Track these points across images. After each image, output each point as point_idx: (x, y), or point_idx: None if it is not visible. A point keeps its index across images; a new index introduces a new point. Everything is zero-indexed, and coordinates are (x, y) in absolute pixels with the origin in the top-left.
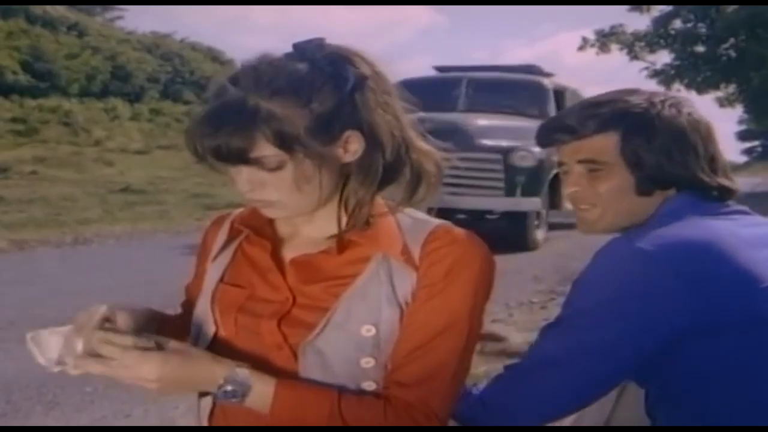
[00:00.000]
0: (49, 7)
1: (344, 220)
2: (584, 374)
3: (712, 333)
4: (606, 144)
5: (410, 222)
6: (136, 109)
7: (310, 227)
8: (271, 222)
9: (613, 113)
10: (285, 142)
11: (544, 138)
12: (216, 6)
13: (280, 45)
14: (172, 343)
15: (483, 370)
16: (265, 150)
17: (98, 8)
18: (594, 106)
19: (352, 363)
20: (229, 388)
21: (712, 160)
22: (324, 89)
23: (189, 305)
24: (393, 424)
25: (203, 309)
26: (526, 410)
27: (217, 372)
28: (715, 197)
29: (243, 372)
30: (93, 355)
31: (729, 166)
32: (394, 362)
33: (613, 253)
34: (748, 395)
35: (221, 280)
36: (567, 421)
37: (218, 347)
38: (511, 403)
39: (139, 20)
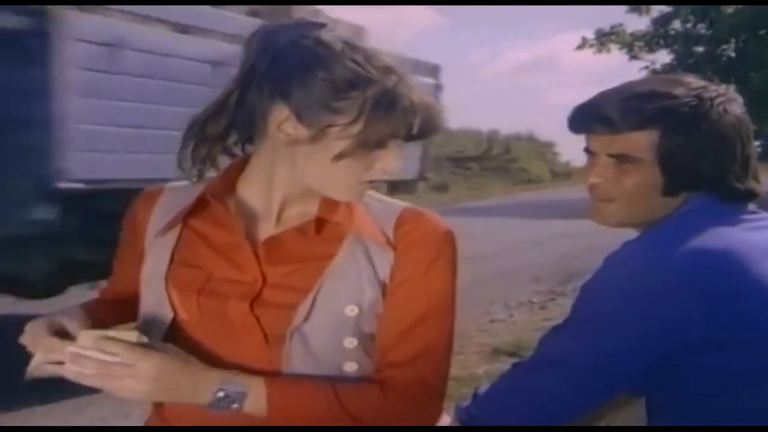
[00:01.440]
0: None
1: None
2: (592, 378)
3: (724, 345)
4: (643, 141)
5: (376, 202)
6: None
7: (292, 206)
8: (232, 200)
9: (658, 110)
10: None
11: (579, 125)
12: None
13: None
14: (169, 345)
15: (483, 369)
16: None
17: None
18: (638, 98)
19: (336, 344)
20: (222, 394)
21: (746, 163)
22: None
23: (119, 292)
24: (394, 406)
25: (154, 292)
26: (529, 406)
27: (211, 377)
28: (736, 199)
29: (237, 378)
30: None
31: (759, 167)
32: (385, 344)
33: (628, 260)
34: (757, 410)
35: (171, 260)
36: None
37: (179, 332)
38: (516, 399)
39: None
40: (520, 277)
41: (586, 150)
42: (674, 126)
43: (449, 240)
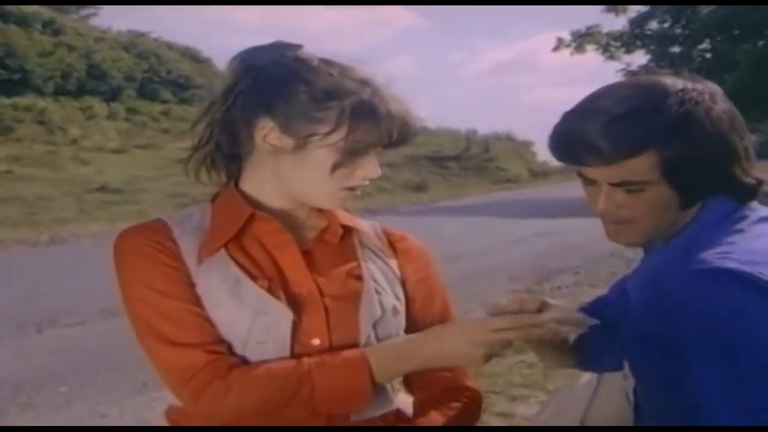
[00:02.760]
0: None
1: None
2: None
3: None
4: (642, 165)
5: (351, 214)
6: (113, 108)
7: (313, 217)
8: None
9: (648, 131)
10: None
11: (567, 156)
12: (197, 6)
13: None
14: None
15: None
16: None
17: (73, 6)
18: (623, 121)
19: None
20: None
21: (747, 156)
22: None
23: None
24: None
25: (251, 307)
26: None
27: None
28: (748, 195)
29: None
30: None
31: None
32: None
33: (694, 281)
34: None
35: (250, 275)
36: (540, 422)
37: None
38: None
39: (117, 20)
40: (498, 276)
41: (580, 175)
42: (669, 141)
43: (428, 251)
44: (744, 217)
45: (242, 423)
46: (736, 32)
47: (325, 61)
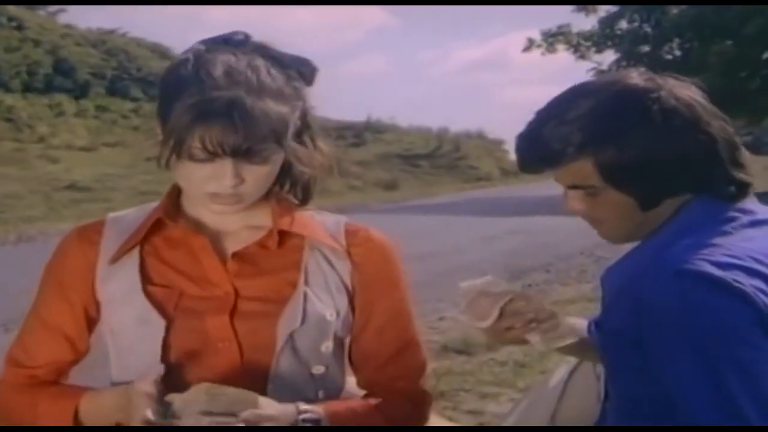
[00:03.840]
0: None
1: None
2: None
3: None
4: (583, 170)
5: (320, 215)
6: (82, 105)
7: (246, 219)
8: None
9: (582, 135)
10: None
11: (526, 164)
12: (167, 6)
13: None
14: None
15: (432, 367)
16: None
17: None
18: (565, 125)
19: (316, 348)
20: (304, 418)
21: (729, 149)
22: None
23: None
24: (418, 414)
25: (135, 309)
26: None
27: (291, 408)
28: (734, 194)
29: (311, 407)
30: None
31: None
32: (378, 361)
33: (664, 280)
34: None
35: (147, 282)
36: (511, 420)
37: (166, 348)
38: None
39: (85, 17)
40: (470, 274)
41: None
42: (602, 147)
43: (396, 251)
44: (732, 219)
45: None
46: (706, 32)
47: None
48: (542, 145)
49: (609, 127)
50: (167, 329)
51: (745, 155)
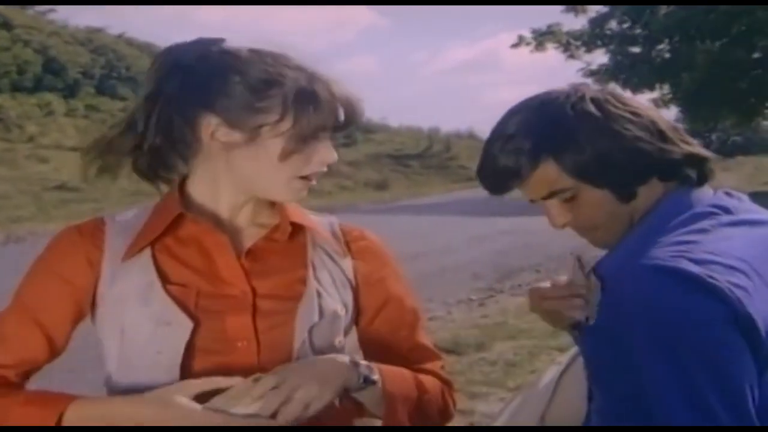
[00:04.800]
0: None
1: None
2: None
3: None
4: (549, 174)
5: (308, 214)
6: (71, 104)
7: (255, 217)
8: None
9: (530, 142)
10: None
11: (494, 188)
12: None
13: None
14: None
15: None
16: None
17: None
18: (513, 139)
19: (330, 344)
20: (363, 377)
21: (668, 130)
22: None
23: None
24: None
25: (157, 307)
26: None
27: (347, 364)
28: (696, 179)
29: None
30: None
31: (681, 128)
32: (399, 350)
33: (640, 277)
34: None
35: (165, 281)
36: (501, 420)
37: (187, 349)
38: None
39: (75, 16)
40: (460, 274)
41: (531, 200)
42: (557, 148)
43: (389, 249)
44: (709, 215)
45: None
46: (693, 33)
47: (255, 51)
48: (499, 166)
49: (550, 127)
50: (193, 331)
51: (684, 132)
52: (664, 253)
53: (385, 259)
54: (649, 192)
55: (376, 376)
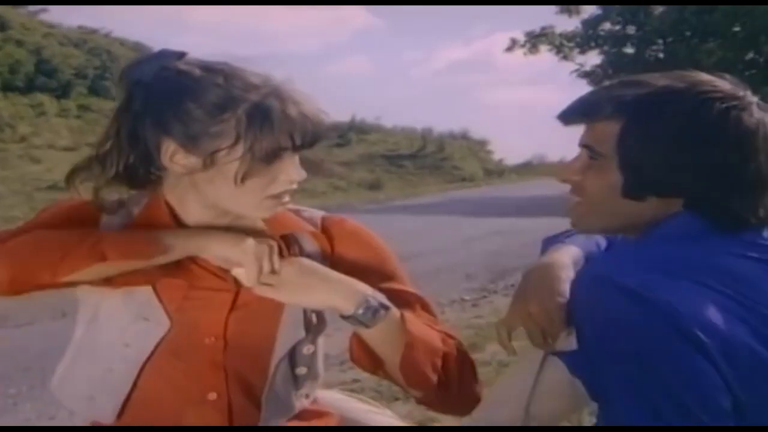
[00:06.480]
0: None
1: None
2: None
3: None
4: (608, 131)
5: (292, 210)
6: (64, 104)
7: (236, 223)
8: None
9: (626, 98)
10: None
11: (567, 114)
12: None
13: (219, 44)
14: None
15: None
16: None
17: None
18: (619, 86)
19: (299, 350)
20: (372, 302)
21: (751, 183)
22: None
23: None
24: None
25: (135, 306)
26: None
27: (361, 288)
28: (726, 223)
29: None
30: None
31: None
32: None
33: (581, 283)
34: None
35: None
36: (480, 416)
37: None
38: None
39: (68, 16)
40: (453, 274)
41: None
42: (636, 117)
43: (373, 233)
44: (710, 241)
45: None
46: (687, 33)
47: (208, 69)
48: (589, 97)
49: (654, 99)
50: (168, 329)
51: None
52: (615, 263)
53: (370, 239)
54: (659, 206)
55: (382, 313)
